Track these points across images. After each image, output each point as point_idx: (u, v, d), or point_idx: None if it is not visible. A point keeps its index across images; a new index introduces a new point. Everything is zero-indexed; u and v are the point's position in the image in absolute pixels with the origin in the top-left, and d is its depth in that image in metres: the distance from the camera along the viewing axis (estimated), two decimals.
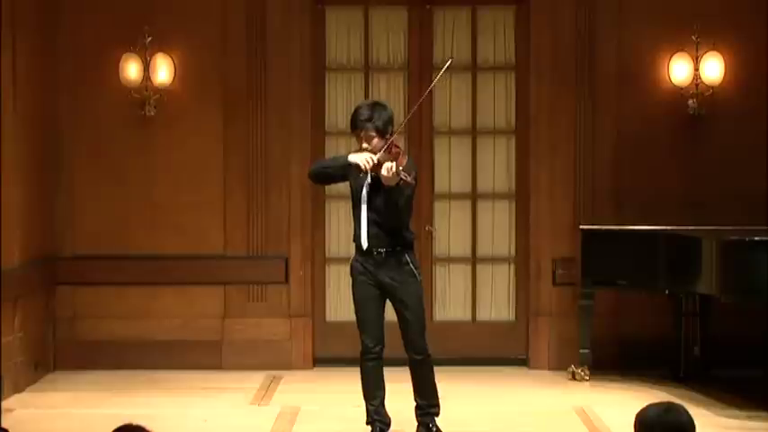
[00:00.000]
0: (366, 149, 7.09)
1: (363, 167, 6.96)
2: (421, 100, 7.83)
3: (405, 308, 7.16)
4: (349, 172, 7.13)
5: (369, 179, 7.09)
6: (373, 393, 7.23)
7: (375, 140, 7.10)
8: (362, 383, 7.27)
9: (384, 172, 6.90)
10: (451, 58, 8.12)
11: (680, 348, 9.25)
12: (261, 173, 9.67)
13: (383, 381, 7.24)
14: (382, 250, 7.12)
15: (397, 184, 6.94)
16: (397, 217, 7.14)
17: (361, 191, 7.11)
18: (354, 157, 7.05)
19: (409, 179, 6.96)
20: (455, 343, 9.67)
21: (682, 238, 8.49)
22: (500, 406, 8.50)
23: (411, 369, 7.27)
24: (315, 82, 9.81)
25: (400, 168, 6.90)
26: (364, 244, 7.12)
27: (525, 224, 9.82)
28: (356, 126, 7.15)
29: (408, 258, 7.19)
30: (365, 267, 7.17)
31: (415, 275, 7.20)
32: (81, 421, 7.94)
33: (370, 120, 7.13)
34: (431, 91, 7.39)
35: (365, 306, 7.20)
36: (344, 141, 9.81)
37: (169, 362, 9.53)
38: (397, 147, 7.14)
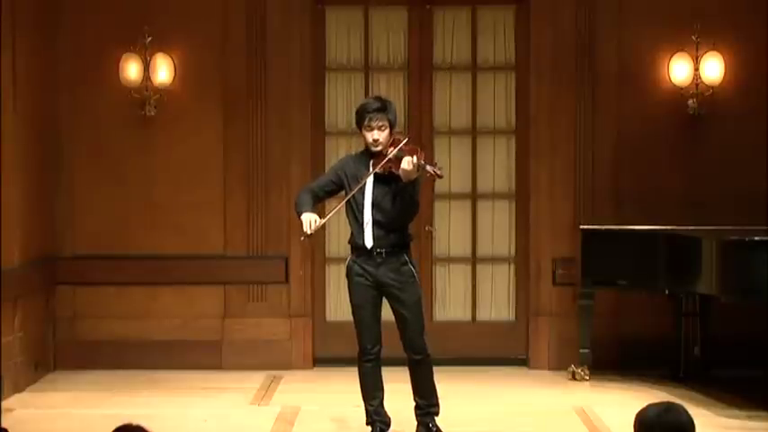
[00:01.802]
0: (377, 141, 7.06)
1: (304, 230, 7.04)
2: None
3: (404, 308, 7.15)
4: (343, 181, 7.17)
5: (371, 179, 7.07)
6: (372, 394, 7.24)
7: (387, 131, 7.10)
8: (361, 385, 7.27)
9: (405, 165, 6.87)
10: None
11: (680, 348, 9.25)
12: (261, 173, 9.67)
13: (382, 381, 7.24)
14: (382, 250, 7.11)
15: (415, 179, 6.94)
16: (409, 214, 7.17)
17: (364, 192, 7.10)
18: (304, 216, 7.10)
19: (439, 171, 6.99)
20: (455, 343, 9.66)
21: (682, 238, 8.49)
22: (500, 406, 8.50)
23: (410, 369, 7.26)
24: (315, 82, 9.81)
25: (422, 162, 6.91)
26: (368, 244, 7.10)
27: (525, 224, 9.82)
28: (368, 117, 7.08)
29: (407, 258, 7.19)
30: (364, 268, 7.15)
31: (414, 275, 7.20)
32: (81, 421, 7.94)
33: (383, 110, 7.13)
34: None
35: (363, 308, 7.18)
36: (344, 141, 9.83)
37: (169, 362, 9.53)
38: (407, 144, 7.13)
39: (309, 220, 7.06)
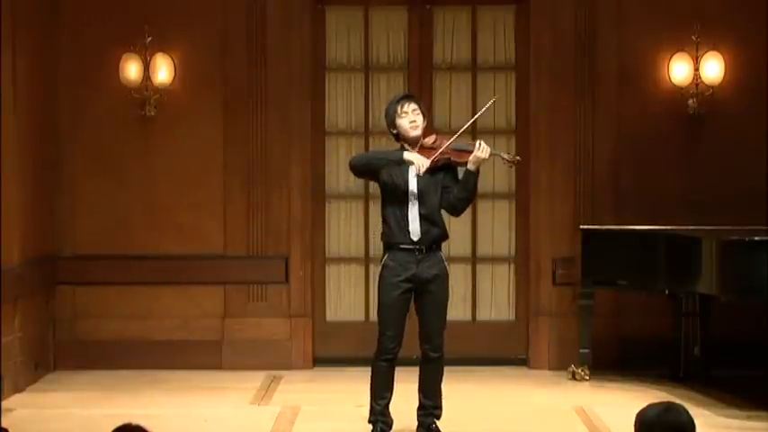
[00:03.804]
0: (414, 123, 7.06)
1: (418, 168, 6.98)
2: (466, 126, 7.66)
3: (435, 304, 7.11)
4: (382, 172, 7.10)
5: (415, 174, 7.05)
6: (382, 394, 7.17)
7: (422, 117, 7.12)
8: (372, 382, 7.21)
9: (480, 153, 6.99)
10: (496, 96, 8.17)
11: (680, 348, 9.25)
12: (261, 173, 9.67)
13: (393, 382, 7.18)
14: (424, 246, 7.06)
15: (478, 168, 7.06)
16: (470, 201, 7.27)
17: (407, 186, 7.06)
18: (411, 156, 7.01)
19: (518, 158, 7.34)
20: (455, 343, 9.61)
21: (682, 238, 8.49)
22: (500, 406, 8.50)
23: (422, 368, 7.24)
24: (315, 82, 9.81)
25: (494, 149, 7.13)
26: (415, 238, 7.04)
27: (525, 224, 9.82)
28: (400, 104, 7.08)
29: (443, 256, 7.20)
30: (403, 266, 7.05)
31: (448, 273, 7.21)
32: (81, 421, 7.94)
33: (411, 97, 7.25)
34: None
35: (393, 309, 7.08)
36: (344, 141, 9.84)
37: (169, 362, 9.53)
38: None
39: (421, 160, 6.97)
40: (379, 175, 7.12)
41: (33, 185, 9.13)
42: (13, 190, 8.58)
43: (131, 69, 9.52)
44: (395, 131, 7.18)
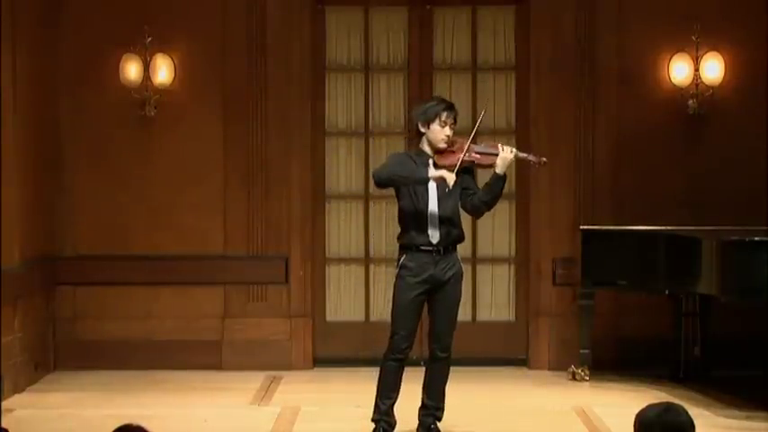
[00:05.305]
0: (449, 137, 7.08)
1: (449, 184, 6.97)
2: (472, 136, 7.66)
3: (449, 304, 7.13)
4: (416, 176, 7.07)
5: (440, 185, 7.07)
6: (388, 393, 7.16)
7: (453, 130, 7.15)
8: (380, 381, 7.19)
9: (508, 154, 7.05)
10: (484, 110, 8.27)
11: (680, 348, 9.25)
12: (261, 173, 9.67)
13: (400, 383, 7.17)
14: (441, 247, 7.08)
15: (506, 172, 7.10)
16: (493, 206, 7.28)
17: (426, 188, 7.07)
18: (437, 173, 6.99)
19: (544, 159, 7.34)
20: (455, 343, 9.61)
21: (682, 239, 8.49)
22: (500, 406, 8.50)
23: (428, 368, 7.25)
24: (315, 82, 9.81)
25: (520, 153, 7.21)
26: (434, 240, 7.05)
27: (525, 224, 9.82)
28: (445, 114, 7.08)
29: (458, 256, 7.21)
30: (422, 267, 7.06)
31: (463, 274, 7.23)
32: (81, 421, 7.94)
33: (454, 108, 7.21)
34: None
35: (408, 309, 7.09)
36: (344, 141, 9.85)
37: (169, 362, 9.53)
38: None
39: (448, 177, 6.97)
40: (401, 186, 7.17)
41: (33, 185, 9.13)
42: (13, 190, 8.58)
43: (131, 69, 9.52)
44: (423, 130, 7.17)
